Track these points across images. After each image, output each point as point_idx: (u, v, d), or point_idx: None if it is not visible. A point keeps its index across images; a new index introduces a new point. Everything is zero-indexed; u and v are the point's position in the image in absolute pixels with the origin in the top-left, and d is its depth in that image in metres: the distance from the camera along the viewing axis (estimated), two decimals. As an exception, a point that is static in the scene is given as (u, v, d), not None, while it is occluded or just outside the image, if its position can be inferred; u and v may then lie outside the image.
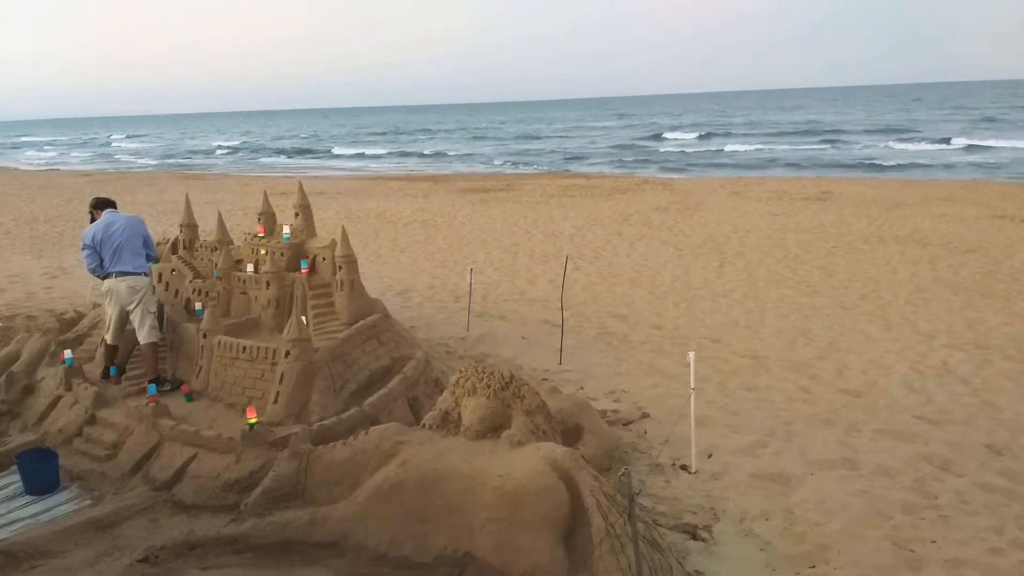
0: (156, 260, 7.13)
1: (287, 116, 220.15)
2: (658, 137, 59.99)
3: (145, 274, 6.53)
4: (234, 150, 67.15)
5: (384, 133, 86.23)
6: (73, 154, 68.13)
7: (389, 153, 55.71)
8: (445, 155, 51.81)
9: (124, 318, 6.53)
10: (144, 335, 6.40)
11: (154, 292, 6.77)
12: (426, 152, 54.76)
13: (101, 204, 6.77)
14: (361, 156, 54.71)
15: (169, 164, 52.29)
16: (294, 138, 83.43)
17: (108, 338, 6.65)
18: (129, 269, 6.41)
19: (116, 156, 63.98)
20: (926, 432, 6.50)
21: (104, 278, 6.49)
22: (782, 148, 46.27)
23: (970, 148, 40.65)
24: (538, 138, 66.55)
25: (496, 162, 44.91)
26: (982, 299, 10.66)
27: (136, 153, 67.14)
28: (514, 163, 43.97)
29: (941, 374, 7.90)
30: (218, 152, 65.26)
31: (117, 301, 6.45)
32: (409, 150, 57.60)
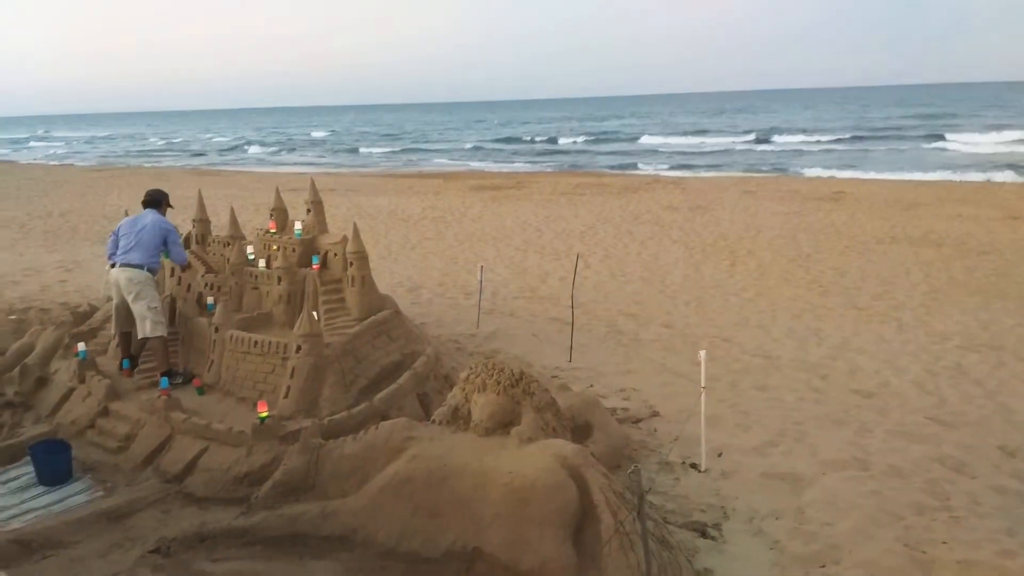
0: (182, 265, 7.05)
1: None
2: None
3: (148, 269, 6.51)
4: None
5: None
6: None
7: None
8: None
9: (126, 308, 6.57)
10: (143, 329, 6.42)
11: (158, 290, 6.70)
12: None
13: (145, 203, 6.92)
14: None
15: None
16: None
17: (112, 327, 6.79)
18: (133, 262, 6.45)
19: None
20: (939, 433, 6.45)
21: (111, 267, 6.58)
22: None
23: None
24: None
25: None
26: (996, 300, 10.57)
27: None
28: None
29: (954, 375, 7.84)
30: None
31: (117, 291, 6.52)
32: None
